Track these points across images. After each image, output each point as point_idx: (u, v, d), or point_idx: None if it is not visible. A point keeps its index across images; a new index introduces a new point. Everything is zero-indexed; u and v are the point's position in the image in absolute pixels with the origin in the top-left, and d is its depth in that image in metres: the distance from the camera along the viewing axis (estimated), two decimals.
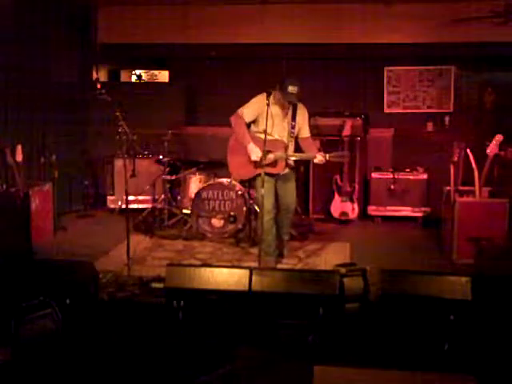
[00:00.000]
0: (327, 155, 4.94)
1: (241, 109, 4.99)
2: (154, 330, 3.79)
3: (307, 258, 5.57)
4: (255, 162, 4.92)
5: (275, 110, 4.94)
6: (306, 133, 5.17)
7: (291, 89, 4.79)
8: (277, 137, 4.98)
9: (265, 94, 4.82)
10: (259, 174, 4.88)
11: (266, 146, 4.74)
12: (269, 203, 4.95)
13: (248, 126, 5.05)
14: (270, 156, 4.88)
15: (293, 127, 5.03)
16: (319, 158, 4.93)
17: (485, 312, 3.66)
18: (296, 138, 5.16)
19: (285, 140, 5.00)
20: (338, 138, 6.90)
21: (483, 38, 7.09)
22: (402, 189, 7.00)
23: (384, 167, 7.25)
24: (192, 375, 3.15)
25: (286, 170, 5.10)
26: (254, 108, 4.92)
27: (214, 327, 3.77)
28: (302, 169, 7.15)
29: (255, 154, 4.87)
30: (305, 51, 7.63)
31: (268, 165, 4.85)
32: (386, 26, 7.34)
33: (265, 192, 4.82)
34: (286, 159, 5.02)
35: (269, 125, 4.76)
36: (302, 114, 5.10)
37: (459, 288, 3.67)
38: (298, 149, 5.23)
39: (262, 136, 4.83)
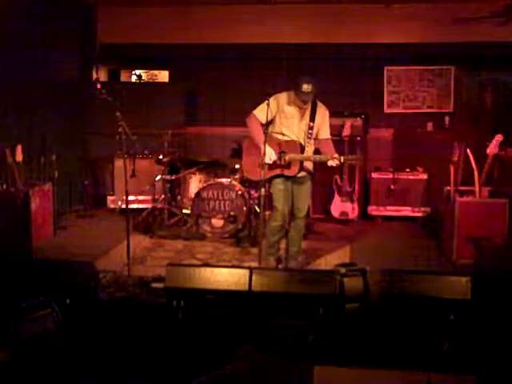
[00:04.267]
0: (342, 157, 4.76)
1: (255, 110, 4.88)
2: (154, 329, 3.78)
3: (307, 258, 5.57)
4: (269, 164, 4.78)
5: (292, 110, 4.84)
6: (324, 134, 4.97)
7: (305, 87, 4.66)
8: (294, 138, 4.86)
9: (278, 95, 4.81)
10: (275, 176, 4.84)
11: (281, 147, 4.75)
12: (282, 206, 4.88)
13: (267, 125, 4.87)
14: (284, 157, 4.79)
15: (310, 128, 4.87)
16: (334, 162, 4.74)
17: (485, 312, 3.66)
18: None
19: (301, 141, 4.88)
20: (338, 138, 6.89)
21: (483, 37, 7.09)
22: (402, 189, 7.00)
23: (384, 167, 7.25)
24: (192, 375, 3.15)
25: (303, 174, 4.96)
26: (268, 109, 4.72)
27: (213, 327, 3.77)
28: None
29: (268, 156, 4.71)
30: (305, 51, 7.63)
31: (282, 166, 4.80)
32: (386, 26, 7.35)
33: (278, 195, 4.81)
34: (301, 161, 4.89)
35: (285, 125, 4.75)
36: (322, 115, 4.92)
37: (459, 288, 3.68)
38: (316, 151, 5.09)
39: (279, 136, 4.82)
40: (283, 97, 4.84)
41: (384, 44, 7.43)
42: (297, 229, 5.11)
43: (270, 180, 4.94)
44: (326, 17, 7.43)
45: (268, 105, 4.64)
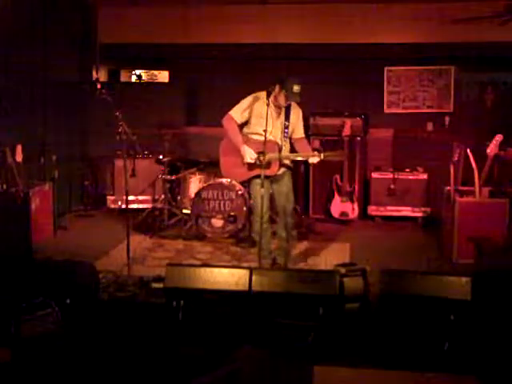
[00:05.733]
0: (322, 154, 4.81)
1: (231, 111, 4.90)
2: (154, 329, 3.79)
3: (307, 257, 5.57)
4: (249, 164, 4.83)
5: (268, 110, 4.76)
6: (299, 133, 5.04)
7: (296, 88, 4.70)
8: (270, 137, 4.83)
9: (255, 95, 4.83)
10: (254, 176, 4.86)
11: (259, 148, 4.71)
12: (264, 206, 4.85)
13: (241, 127, 4.96)
14: (264, 157, 4.70)
15: (286, 127, 4.92)
16: (315, 160, 4.80)
17: (485, 312, 3.66)
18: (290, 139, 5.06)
19: (278, 140, 4.89)
20: (338, 138, 6.90)
21: (483, 38, 7.09)
22: (402, 189, 7.00)
23: (384, 167, 7.25)
24: (192, 375, 3.15)
25: (282, 171, 4.96)
26: (245, 109, 4.84)
27: (213, 327, 3.77)
28: (302, 169, 7.15)
29: (249, 155, 4.78)
30: (305, 51, 7.63)
31: (262, 166, 4.70)
32: (386, 25, 7.34)
33: (257, 195, 4.77)
34: (280, 160, 4.90)
35: (262, 125, 4.67)
36: (296, 114, 4.98)
37: (459, 288, 3.67)
38: (292, 149, 5.13)
39: (255, 137, 4.83)
40: (259, 96, 4.83)
41: (384, 44, 7.43)
42: (287, 226, 5.06)
43: (249, 181, 5.00)
44: (326, 17, 7.41)
45: (245, 105, 4.74)
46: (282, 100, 4.80)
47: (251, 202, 6.04)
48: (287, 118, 4.92)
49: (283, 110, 4.91)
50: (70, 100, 7.18)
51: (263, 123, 4.66)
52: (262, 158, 4.68)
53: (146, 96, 7.55)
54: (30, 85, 6.34)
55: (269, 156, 4.75)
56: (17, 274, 3.98)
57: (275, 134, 4.88)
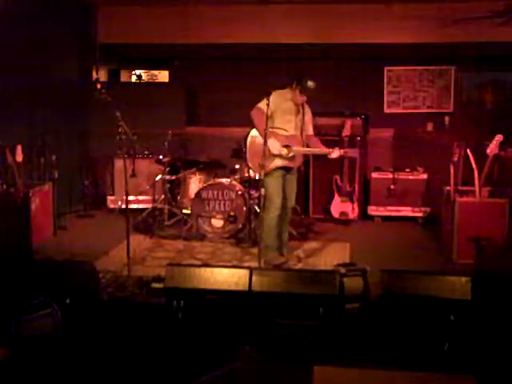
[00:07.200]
0: (342, 150, 5.15)
1: (259, 104, 5.02)
2: (154, 329, 3.79)
3: (307, 257, 5.56)
4: (275, 156, 5.02)
5: (290, 106, 5.11)
6: (310, 130, 5.34)
7: (310, 84, 5.05)
8: (293, 132, 5.13)
9: (278, 92, 4.98)
10: (276, 168, 5.05)
11: (285, 141, 5.01)
12: (279, 198, 5.09)
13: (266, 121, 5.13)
14: (291, 150, 5.05)
15: (303, 124, 5.22)
16: (336, 153, 5.09)
17: (485, 312, 3.66)
18: None
19: (299, 135, 5.16)
20: (338, 138, 6.89)
21: (483, 38, 7.10)
22: (402, 189, 7.00)
23: (384, 167, 7.25)
24: (192, 375, 3.15)
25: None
26: (270, 103, 4.92)
27: (213, 327, 3.77)
28: (302, 168, 7.14)
29: (276, 148, 4.98)
30: (305, 51, 7.63)
31: (287, 159, 5.05)
32: (386, 25, 7.34)
33: (276, 187, 5.04)
34: (302, 154, 5.21)
35: (285, 121, 5.03)
36: (308, 112, 5.29)
37: (459, 288, 3.67)
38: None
39: (278, 131, 5.03)
40: (282, 93, 5.06)
41: (384, 44, 7.44)
42: (286, 218, 5.34)
43: (268, 172, 5.06)
44: (326, 17, 7.43)
45: (269, 99, 4.81)
46: (298, 97, 5.08)
47: (251, 202, 6.05)
48: (303, 115, 5.22)
49: (300, 107, 5.19)
50: (70, 100, 7.18)
51: (285, 119, 5.04)
52: (287, 150, 5.02)
53: (146, 96, 7.55)
54: (30, 85, 6.34)
55: (294, 149, 5.07)
56: (17, 274, 3.98)
57: (296, 129, 5.17)
